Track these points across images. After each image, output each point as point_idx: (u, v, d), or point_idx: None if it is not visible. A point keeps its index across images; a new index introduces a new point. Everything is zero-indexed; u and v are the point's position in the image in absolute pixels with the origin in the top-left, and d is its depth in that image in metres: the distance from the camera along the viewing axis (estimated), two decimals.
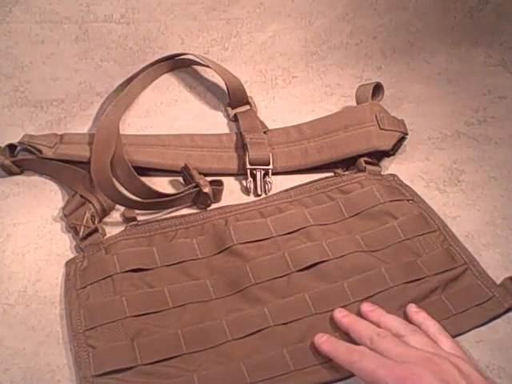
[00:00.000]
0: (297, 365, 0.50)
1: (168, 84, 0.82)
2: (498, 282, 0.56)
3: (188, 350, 0.51)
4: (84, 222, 0.61)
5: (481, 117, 0.79)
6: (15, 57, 0.75)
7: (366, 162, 0.69)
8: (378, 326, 0.50)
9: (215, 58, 0.83)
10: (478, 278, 0.57)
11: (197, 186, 0.65)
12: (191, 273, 0.58)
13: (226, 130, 0.77)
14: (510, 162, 0.72)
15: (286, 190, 0.67)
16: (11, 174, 0.70)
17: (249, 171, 0.69)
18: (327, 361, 0.50)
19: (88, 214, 0.62)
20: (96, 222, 0.62)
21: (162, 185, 0.68)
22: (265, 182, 0.68)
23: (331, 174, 0.69)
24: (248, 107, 0.78)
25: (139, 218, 0.64)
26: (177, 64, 0.83)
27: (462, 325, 0.53)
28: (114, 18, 0.77)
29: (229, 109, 0.78)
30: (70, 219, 0.62)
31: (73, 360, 0.51)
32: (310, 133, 0.72)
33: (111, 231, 0.62)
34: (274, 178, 0.69)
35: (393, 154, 0.73)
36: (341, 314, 0.53)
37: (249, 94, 0.79)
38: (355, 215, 0.63)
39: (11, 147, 0.71)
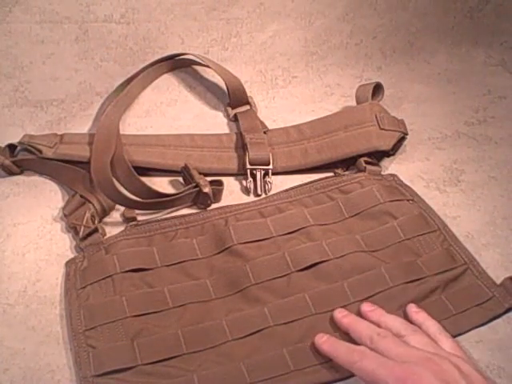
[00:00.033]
0: (297, 365, 0.50)
1: (168, 84, 0.82)
2: (498, 282, 0.56)
3: (188, 350, 0.51)
4: (84, 222, 0.61)
5: (481, 117, 0.79)
6: (15, 57, 0.75)
7: (366, 162, 0.69)
8: (379, 326, 0.50)
9: (215, 58, 0.83)
10: (478, 278, 0.57)
11: (197, 185, 0.65)
12: (191, 273, 0.58)
13: (226, 130, 0.77)
14: (510, 161, 0.72)
15: (286, 190, 0.67)
16: (11, 174, 0.70)
17: (249, 171, 0.69)
18: (327, 361, 0.50)
19: (88, 214, 0.62)
20: (96, 222, 0.62)
21: (162, 185, 0.68)
22: (265, 182, 0.68)
23: (331, 174, 0.69)
24: (248, 107, 0.78)
25: (139, 218, 0.64)
26: (177, 64, 0.83)
27: (462, 325, 0.53)
28: (114, 18, 0.77)
29: (229, 109, 0.78)
30: (70, 219, 0.62)
31: (73, 360, 0.51)
32: (310, 133, 0.72)
33: (111, 231, 0.62)
34: (274, 177, 0.69)
35: (393, 154, 0.73)
36: (341, 314, 0.53)
37: (249, 94, 0.79)
38: (355, 215, 0.63)
39: (11, 147, 0.71)
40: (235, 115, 0.77)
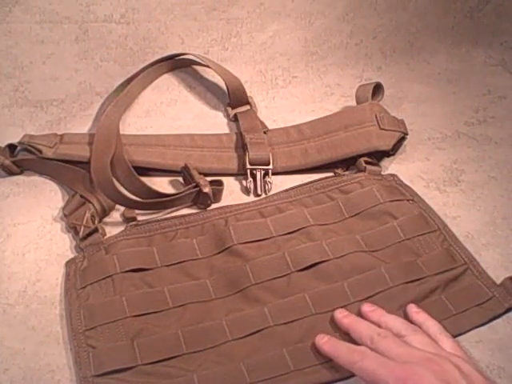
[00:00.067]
0: (297, 365, 0.50)
1: (168, 84, 0.82)
2: (498, 282, 0.56)
3: (188, 350, 0.51)
4: (84, 222, 0.61)
5: (481, 117, 0.79)
6: (15, 57, 0.75)
7: (366, 162, 0.69)
8: (379, 326, 0.50)
9: (215, 58, 0.83)
10: (478, 277, 0.57)
11: (197, 185, 0.65)
12: (191, 273, 0.58)
13: (226, 130, 0.77)
14: (510, 161, 0.72)
15: (286, 190, 0.67)
16: (11, 173, 0.70)
17: (249, 171, 0.69)
18: (327, 361, 0.50)
19: (88, 214, 0.62)
20: (96, 221, 0.62)
21: (162, 185, 0.68)
22: (265, 182, 0.68)
23: (331, 174, 0.69)
24: (248, 107, 0.78)
25: (139, 217, 0.64)
26: (177, 64, 0.83)
27: (462, 325, 0.53)
28: (114, 18, 0.77)
29: (229, 109, 0.78)
30: (70, 219, 0.62)
31: (73, 360, 0.51)
32: (310, 133, 0.72)
33: (111, 231, 0.62)
34: (274, 177, 0.69)
35: (393, 154, 0.73)
36: (341, 315, 0.53)
37: (249, 94, 0.79)
38: (355, 215, 0.63)
39: (11, 147, 0.71)
40: (235, 115, 0.77)
